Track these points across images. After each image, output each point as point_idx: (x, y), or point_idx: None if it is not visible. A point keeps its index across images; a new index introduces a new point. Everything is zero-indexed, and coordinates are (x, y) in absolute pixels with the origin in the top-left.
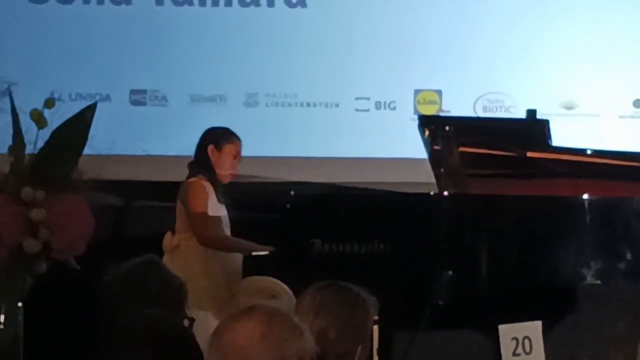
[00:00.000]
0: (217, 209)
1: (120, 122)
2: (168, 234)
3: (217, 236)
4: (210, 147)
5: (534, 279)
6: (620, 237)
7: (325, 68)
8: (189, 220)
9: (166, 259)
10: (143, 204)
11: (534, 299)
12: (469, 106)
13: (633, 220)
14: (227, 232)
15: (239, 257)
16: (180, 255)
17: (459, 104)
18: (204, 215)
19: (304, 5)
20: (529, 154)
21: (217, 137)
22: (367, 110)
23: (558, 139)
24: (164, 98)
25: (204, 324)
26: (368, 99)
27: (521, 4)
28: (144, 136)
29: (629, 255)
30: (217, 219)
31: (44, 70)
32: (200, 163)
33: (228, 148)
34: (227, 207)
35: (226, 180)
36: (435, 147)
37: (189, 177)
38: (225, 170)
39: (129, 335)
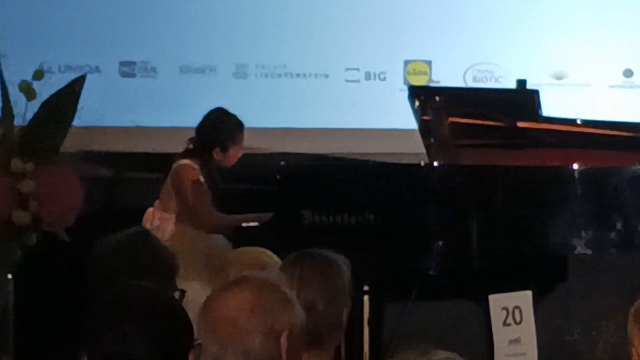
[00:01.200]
0: (206, 191)
1: (109, 93)
2: (148, 211)
3: (221, 221)
4: (216, 151)
5: (524, 249)
6: (610, 207)
7: (315, 39)
8: (189, 208)
9: None
10: (133, 176)
11: (524, 269)
12: (459, 76)
13: (623, 189)
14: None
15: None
16: (160, 234)
17: (448, 75)
18: (205, 202)
19: None
20: (519, 124)
21: (224, 140)
22: (357, 81)
23: (548, 109)
24: (154, 69)
25: (197, 295)
26: (358, 69)
27: None
28: (133, 108)
29: (619, 225)
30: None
31: (33, 42)
32: (201, 158)
33: (234, 150)
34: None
35: (228, 166)
36: (425, 118)
37: (183, 155)
38: (230, 164)
39: (118, 307)
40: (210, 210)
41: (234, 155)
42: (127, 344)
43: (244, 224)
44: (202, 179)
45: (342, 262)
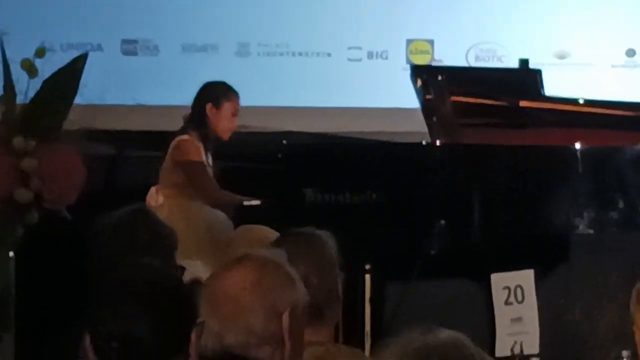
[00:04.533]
0: (207, 165)
1: (111, 72)
2: (152, 190)
3: (224, 195)
4: (209, 106)
5: (526, 229)
6: (613, 187)
7: (317, 17)
8: (190, 181)
9: None
10: (135, 154)
11: (526, 249)
12: (461, 56)
13: (626, 169)
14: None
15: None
16: (164, 212)
17: (451, 54)
18: (207, 175)
19: None
20: (522, 104)
21: (216, 95)
22: (360, 59)
23: (550, 88)
24: (156, 48)
25: (197, 273)
26: (360, 48)
27: None
28: (135, 86)
29: (621, 205)
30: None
31: (35, 19)
32: (197, 120)
33: (227, 106)
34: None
35: (225, 136)
36: (428, 97)
37: (181, 130)
38: (224, 127)
39: (120, 284)
40: (215, 186)
41: (227, 114)
42: (130, 322)
43: (245, 203)
44: (203, 153)
45: (326, 236)
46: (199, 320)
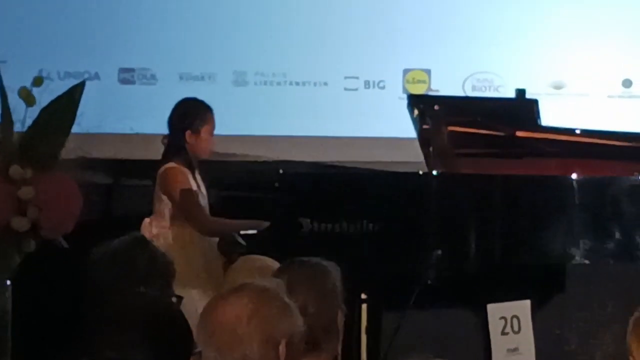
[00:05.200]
0: (197, 193)
1: (109, 100)
2: (145, 221)
3: (217, 223)
4: (188, 133)
5: (523, 259)
6: (609, 217)
7: (314, 47)
8: (180, 210)
9: None
10: (131, 183)
11: (523, 279)
12: (458, 85)
13: (622, 199)
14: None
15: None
16: (159, 243)
17: (448, 83)
18: (197, 204)
19: None
20: (518, 134)
21: (193, 121)
22: (356, 89)
23: (547, 118)
24: (153, 76)
25: (193, 302)
26: (357, 78)
27: None
28: (132, 114)
29: (617, 235)
30: (203, 204)
31: (33, 48)
32: (177, 148)
33: (205, 129)
34: (206, 187)
35: (205, 156)
36: (424, 127)
37: (164, 158)
38: (205, 150)
39: (117, 314)
40: (206, 214)
41: (206, 137)
42: (127, 350)
43: (242, 232)
44: (191, 180)
45: (331, 267)
46: (196, 350)
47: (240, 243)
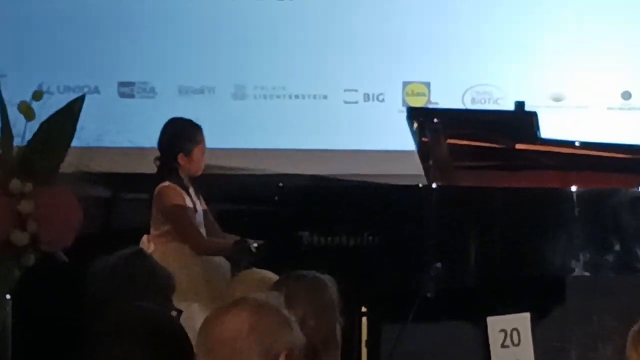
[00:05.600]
0: (192, 212)
1: (108, 114)
2: (144, 239)
3: (209, 243)
4: (180, 156)
5: (522, 271)
6: (609, 229)
7: (313, 60)
8: (175, 229)
9: None
10: (131, 196)
11: (522, 291)
12: (458, 98)
13: (622, 212)
14: (202, 230)
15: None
16: (157, 258)
17: (447, 96)
18: (191, 223)
19: None
20: (518, 146)
21: (185, 144)
22: (356, 102)
23: (546, 130)
24: (152, 90)
25: (193, 316)
26: (356, 90)
27: None
28: (132, 128)
29: (617, 247)
30: (210, 221)
31: (32, 62)
32: (169, 170)
33: (197, 150)
34: (205, 201)
35: (197, 174)
36: (424, 139)
37: (158, 177)
38: (197, 169)
39: (117, 328)
40: (198, 234)
41: (199, 157)
42: None
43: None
44: (186, 198)
45: (328, 280)
46: None
47: (250, 249)
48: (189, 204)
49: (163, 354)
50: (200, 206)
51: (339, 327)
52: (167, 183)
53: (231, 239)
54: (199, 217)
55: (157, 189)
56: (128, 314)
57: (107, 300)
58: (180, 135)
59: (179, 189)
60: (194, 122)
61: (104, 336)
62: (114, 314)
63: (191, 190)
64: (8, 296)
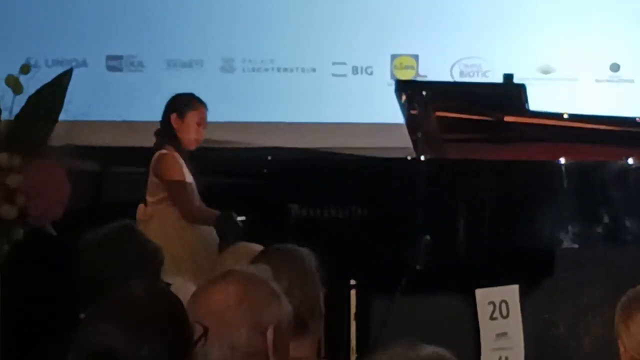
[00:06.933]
0: (190, 179)
1: (96, 87)
2: (141, 206)
3: (201, 211)
4: (173, 116)
5: (511, 243)
6: (597, 201)
7: (301, 33)
8: (169, 194)
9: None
10: (119, 170)
11: (511, 263)
12: (446, 71)
13: (610, 184)
14: (196, 199)
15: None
16: (155, 224)
17: (435, 69)
18: (185, 189)
19: None
20: (506, 119)
21: (180, 106)
22: (344, 75)
23: (535, 103)
24: (140, 64)
25: (181, 289)
26: (345, 64)
27: None
28: (120, 102)
29: (606, 219)
30: (194, 192)
31: (20, 36)
32: (165, 133)
33: (191, 115)
34: (193, 174)
35: (192, 147)
36: (412, 112)
37: (156, 146)
38: (190, 138)
39: (107, 301)
40: (190, 202)
41: (193, 123)
42: (120, 338)
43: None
44: (183, 166)
45: (306, 252)
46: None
47: (238, 225)
48: (186, 171)
49: (156, 328)
50: (191, 178)
51: (322, 296)
52: (164, 150)
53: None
54: (193, 186)
55: (155, 155)
56: (117, 288)
57: (96, 274)
58: (178, 100)
59: (177, 156)
60: (197, 98)
61: (92, 311)
62: (103, 287)
63: (187, 160)
64: None
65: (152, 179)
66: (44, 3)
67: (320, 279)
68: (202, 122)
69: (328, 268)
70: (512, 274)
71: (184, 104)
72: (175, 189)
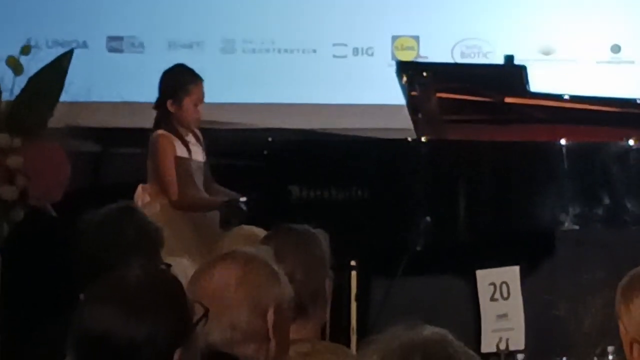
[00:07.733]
0: (184, 161)
1: (97, 69)
2: (139, 188)
3: (188, 198)
4: (169, 103)
5: (512, 225)
6: (598, 182)
7: (302, 14)
8: (158, 179)
9: None
10: (120, 151)
11: (512, 245)
12: (447, 52)
13: (611, 165)
14: (200, 176)
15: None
16: (151, 211)
17: (436, 50)
18: (172, 176)
19: None
20: (507, 100)
21: (175, 91)
22: (345, 56)
23: (536, 84)
24: (141, 45)
25: (182, 270)
26: (345, 45)
27: None
28: (121, 83)
29: (606, 200)
30: (189, 177)
31: (20, 17)
32: (162, 118)
33: (188, 100)
34: (204, 150)
35: (193, 126)
36: (413, 93)
37: (155, 126)
38: (190, 120)
39: (104, 283)
40: (174, 186)
41: (190, 108)
42: (118, 320)
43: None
44: (179, 147)
45: (319, 234)
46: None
47: (241, 210)
48: (182, 153)
49: (157, 310)
50: (202, 157)
51: (329, 281)
52: (159, 131)
53: (224, 192)
54: (194, 166)
55: (152, 135)
56: (117, 268)
57: (96, 254)
58: (174, 80)
59: (171, 137)
60: (194, 72)
61: (92, 292)
62: (102, 269)
63: (190, 138)
64: None
65: (149, 160)
66: None
67: (329, 264)
68: (200, 101)
69: (330, 250)
70: (513, 255)
71: (180, 90)
72: (160, 171)
